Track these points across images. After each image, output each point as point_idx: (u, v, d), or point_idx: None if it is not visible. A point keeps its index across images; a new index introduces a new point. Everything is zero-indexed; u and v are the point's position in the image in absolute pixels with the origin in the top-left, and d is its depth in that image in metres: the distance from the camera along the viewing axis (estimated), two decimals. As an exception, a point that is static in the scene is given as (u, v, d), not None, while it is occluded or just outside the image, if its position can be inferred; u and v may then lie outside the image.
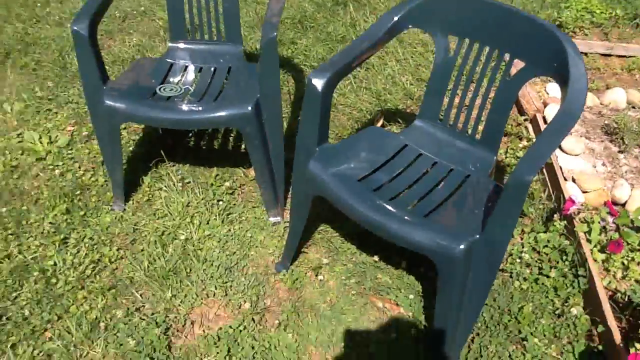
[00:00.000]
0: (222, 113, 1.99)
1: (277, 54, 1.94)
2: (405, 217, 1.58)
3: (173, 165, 2.48)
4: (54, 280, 1.99)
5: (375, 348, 1.81)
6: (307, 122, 1.74)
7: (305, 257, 2.11)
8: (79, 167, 2.50)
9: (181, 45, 2.40)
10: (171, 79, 2.26)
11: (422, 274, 2.03)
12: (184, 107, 2.02)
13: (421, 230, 1.55)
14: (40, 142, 2.58)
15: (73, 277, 1.99)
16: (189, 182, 2.40)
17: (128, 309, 1.90)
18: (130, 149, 2.59)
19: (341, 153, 1.83)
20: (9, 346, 1.77)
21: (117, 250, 2.11)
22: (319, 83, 1.65)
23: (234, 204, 2.32)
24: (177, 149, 2.56)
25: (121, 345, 1.78)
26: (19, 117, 2.80)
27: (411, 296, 1.95)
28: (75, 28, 1.89)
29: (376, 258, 2.09)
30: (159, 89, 2.15)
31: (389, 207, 1.63)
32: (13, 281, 1.98)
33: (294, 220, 1.95)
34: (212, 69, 2.33)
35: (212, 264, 2.06)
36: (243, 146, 2.62)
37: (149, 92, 2.13)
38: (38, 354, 1.76)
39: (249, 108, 1.97)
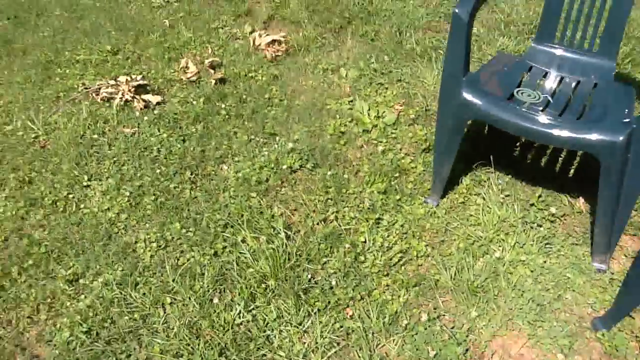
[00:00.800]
0: (588, 136, 1.73)
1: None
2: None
3: (494, 172, 2.30)
4: (362, 258, 1.98)
5: None
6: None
7: (630, 322, 1.78)
8: (400, 149, 2.46)
9: (545, 48, 2.18)
10: (528, 83, 2.06)
11: None
12: (542, 119, 1.81)
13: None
14: (368, 115, 2.60)
15: (380, 260, 1.96)
16: (509, 195, 2.21)
17: (429, 313, 1.80)
18: (453, 144, 2.47)
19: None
20: (314, 311, 1.80)
21: (426, 246, 2.02)
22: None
23: (554, 234, 2.07)
24: (501, 156, 2.36)
25: (418, 350, 1.69)
26: (353, 84, 2.87)
27: None
28: (457, 11, 1.79)
29: None
30: (517, 92, 1.97)
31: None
32: (325, 246, 2.02)
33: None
34: (575, 81, 2.07)
35: (522, 294, 1.85)
36: (572, 171, 2.34)
37: (506, 93, 1.96)
38: (339, 328, 1.76)
39: (620, 138, 1.69)
